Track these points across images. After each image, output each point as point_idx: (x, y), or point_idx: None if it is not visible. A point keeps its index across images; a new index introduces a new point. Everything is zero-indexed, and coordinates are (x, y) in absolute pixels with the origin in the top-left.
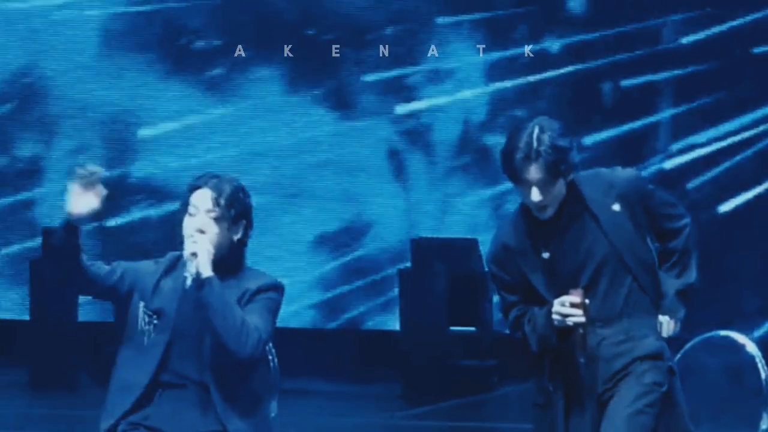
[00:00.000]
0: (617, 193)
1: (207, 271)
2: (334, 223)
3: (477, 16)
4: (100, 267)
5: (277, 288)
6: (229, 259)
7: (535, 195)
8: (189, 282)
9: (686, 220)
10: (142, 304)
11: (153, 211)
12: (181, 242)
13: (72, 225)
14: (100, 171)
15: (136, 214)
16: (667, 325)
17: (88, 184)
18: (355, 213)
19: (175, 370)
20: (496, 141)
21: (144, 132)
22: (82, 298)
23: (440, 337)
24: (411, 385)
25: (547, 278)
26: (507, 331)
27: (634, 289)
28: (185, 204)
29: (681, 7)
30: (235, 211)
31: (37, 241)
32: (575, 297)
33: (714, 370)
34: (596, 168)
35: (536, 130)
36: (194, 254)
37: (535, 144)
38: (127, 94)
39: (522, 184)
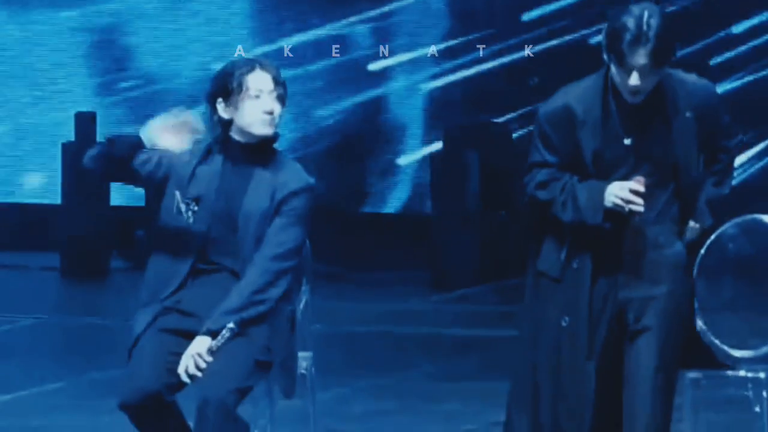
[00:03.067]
0: (695, 102)
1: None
2: None
3: None
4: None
5: (306, 191)
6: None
7: (635, 80)
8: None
9: (740, 138)
10: (178, 193)
11: None
12: (220, 134)
13: (141, 146)
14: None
15: None
16: (691, 230)
17: (185, 129)
18: None
19: (211, 258)
20: None
21: None
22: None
23: (471, 221)
24: (442, 269)
25: (600, 157)
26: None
27: (672, 196)
28: (232, 89)
29: None
30: (286, 90)
31: (69, 126)
32: (638, 185)
33: (748, 256)
34: (677, 70)
35: (645, 14)
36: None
37: (644, 27)
38: None
39: (624, 67)
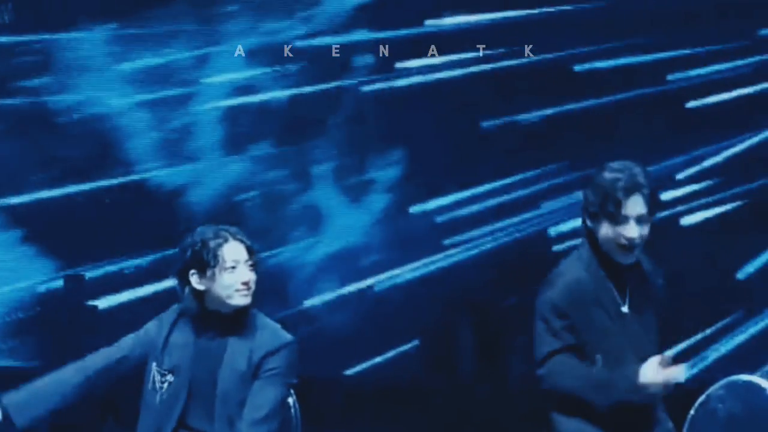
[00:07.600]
0: (660, 271)
1: None
2: None
3: None
4: (107, 362)
5: (282, 350)
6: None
7: (634, 230)
8: None
9: None
10: (154, 364)
11: None
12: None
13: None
14: None
15: None
16: None
17: None
18: None
19: (192, 425)
20: None
21: None
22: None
23: (463, 391)
24: None
25: (625, 333)
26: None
27: None
28: (208, 262)
29: None
30: (259, 257)
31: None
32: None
33: (735, 415)
34: None
35: (632, 166)
36: None
37: (637, 176)
38: None
39: (619, 218)
